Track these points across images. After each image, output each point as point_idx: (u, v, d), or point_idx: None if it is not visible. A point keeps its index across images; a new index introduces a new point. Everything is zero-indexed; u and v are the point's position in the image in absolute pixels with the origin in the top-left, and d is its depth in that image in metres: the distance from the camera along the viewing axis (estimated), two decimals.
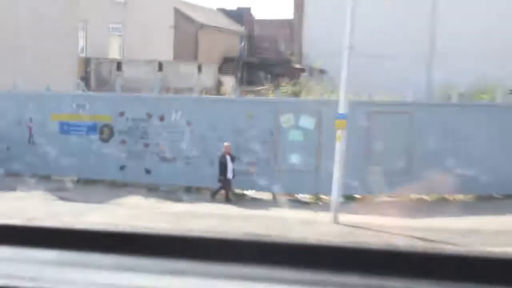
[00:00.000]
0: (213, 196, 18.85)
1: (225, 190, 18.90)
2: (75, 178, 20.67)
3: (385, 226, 15.07)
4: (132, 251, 1.92)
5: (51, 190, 18.97)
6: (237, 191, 19.58)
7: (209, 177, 19.32)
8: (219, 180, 18.77)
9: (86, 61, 34.77)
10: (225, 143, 18.76)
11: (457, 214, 16.69)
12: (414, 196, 18.93)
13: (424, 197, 18.94)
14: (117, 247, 1.93)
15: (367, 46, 45.18)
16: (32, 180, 20.00)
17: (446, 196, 18.90)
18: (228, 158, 18.70)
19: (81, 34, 36.18)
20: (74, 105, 20.78)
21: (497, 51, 47.55)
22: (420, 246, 1.84)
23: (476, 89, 34.95)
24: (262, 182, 18.90)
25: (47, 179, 20.43)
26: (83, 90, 22.64)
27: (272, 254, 1.85)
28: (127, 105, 20.43)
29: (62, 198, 18.28)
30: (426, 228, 14.99)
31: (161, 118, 19.96)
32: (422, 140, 18.45)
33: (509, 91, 21.44)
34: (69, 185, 19.80)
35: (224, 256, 1.85)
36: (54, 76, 29.06)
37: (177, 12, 45.55)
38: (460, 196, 18.82)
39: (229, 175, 18.69)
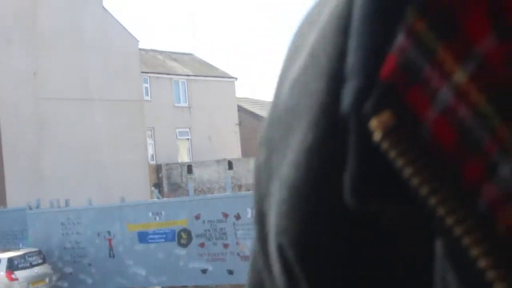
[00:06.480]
0: None
1: None
2: None
3: None
4: None
5: None
6: None
7: None
8: None
9: (157, 168, 35.19)
10: None
11: None
12: None
13: None
14: None
15: None
16: None
17: None
18: None
19: (149, 141, 36.77)
20: (150, 213, 20.79)
21: None
22: None
23: None
24: None
25: None
26: (158, 197, 22.71)
27: None
28: (202, 207, 20.30)
29: None
30: None
31: (237, 217, 19.72)
32: None
33: None
34: None
35: None
36: (128, 185, 29.41)
37: (241, 109, 46.07)
38: None
39: None
